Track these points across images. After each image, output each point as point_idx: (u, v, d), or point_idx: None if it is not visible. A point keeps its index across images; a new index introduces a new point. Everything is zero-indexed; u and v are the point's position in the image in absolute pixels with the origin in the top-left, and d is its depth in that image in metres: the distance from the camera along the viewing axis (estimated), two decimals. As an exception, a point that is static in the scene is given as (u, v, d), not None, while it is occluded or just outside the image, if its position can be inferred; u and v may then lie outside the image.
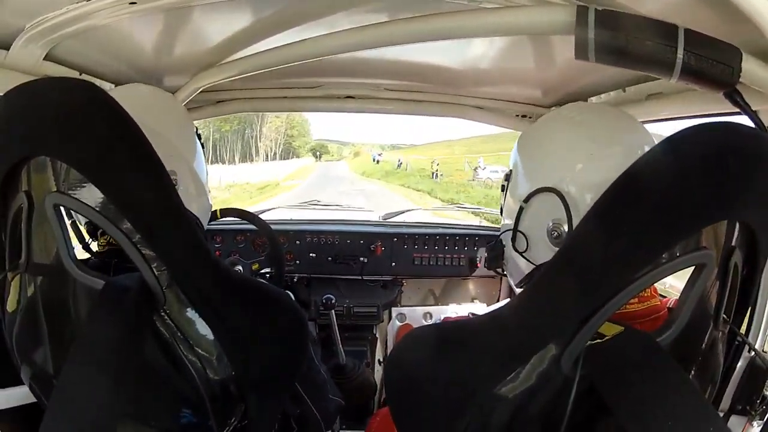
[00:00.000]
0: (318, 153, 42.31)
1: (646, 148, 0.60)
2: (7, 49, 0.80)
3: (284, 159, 36.12)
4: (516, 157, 0.77)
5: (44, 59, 0.84)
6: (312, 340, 0.87)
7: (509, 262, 0.76)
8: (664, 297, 0.66)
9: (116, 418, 0.50)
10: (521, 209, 0.70)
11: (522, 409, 0.51)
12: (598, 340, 0.49)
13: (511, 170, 0.78)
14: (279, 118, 35.62)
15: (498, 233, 0.78)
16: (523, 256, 0.70)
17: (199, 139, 0.89)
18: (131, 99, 0.60)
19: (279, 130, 37.85)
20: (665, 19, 0.59)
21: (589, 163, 0.64)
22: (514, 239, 0.72)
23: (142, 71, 1.11)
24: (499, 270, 0.80)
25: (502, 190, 0.80)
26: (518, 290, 0.76)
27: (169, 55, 1.06)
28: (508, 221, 0.74)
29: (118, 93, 0.76)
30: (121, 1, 0.68)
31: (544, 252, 0.67)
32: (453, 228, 1.76)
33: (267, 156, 36.23)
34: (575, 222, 0.63)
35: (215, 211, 1.22)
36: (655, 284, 0.56)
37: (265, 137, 36.93)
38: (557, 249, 0.63)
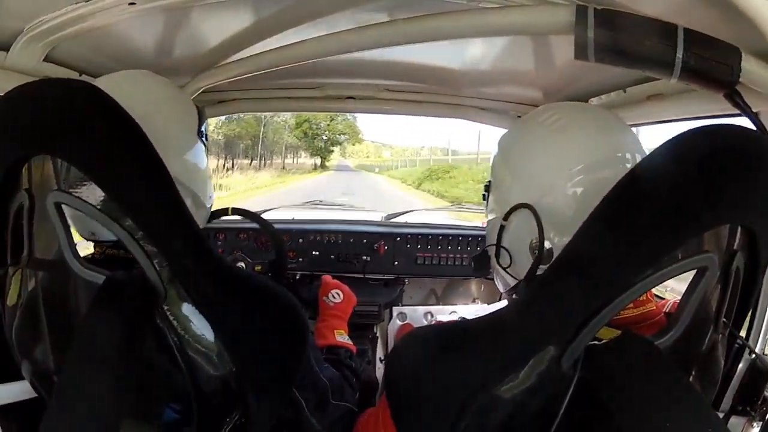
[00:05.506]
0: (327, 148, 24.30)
1: (637, 156, 0.61)
2: (7, 50, 0.80)
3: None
4: (494, 168, 0.75)
5: (44, 60, 0.84)
6: (312, 347, 0.85)
7: (495, 273, 0.76)
8: (661, 299, 0.66)
9: (117, 415, 0.50)
10: (502, 227, 0.69)
11: (520, 410, 0.51)
12: (596, 343, 0.49)
13: (490, 180, 0.77)
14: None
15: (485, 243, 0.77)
16: (507, 272, 0.70)
17: (203, 137, 0.77)
18: (114, 88, 0.56)
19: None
20: (664, 19, 0.59)
21: (567, 180, 0.62)
22: (497, 255, 0.71)
23: None
24: (489, 277, 0.79)
25: (484, 199, 0.79)
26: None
27: (170, 56, 1.06)
28: (491, 232, 0.73)
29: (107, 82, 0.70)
30: (121, 1, 0.68)
31: (528, 268, 0.66)
32: (455, 228, 1.76)
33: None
34: (556, 239, 0.62)
35: (227, 208, 1.23)
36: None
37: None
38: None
